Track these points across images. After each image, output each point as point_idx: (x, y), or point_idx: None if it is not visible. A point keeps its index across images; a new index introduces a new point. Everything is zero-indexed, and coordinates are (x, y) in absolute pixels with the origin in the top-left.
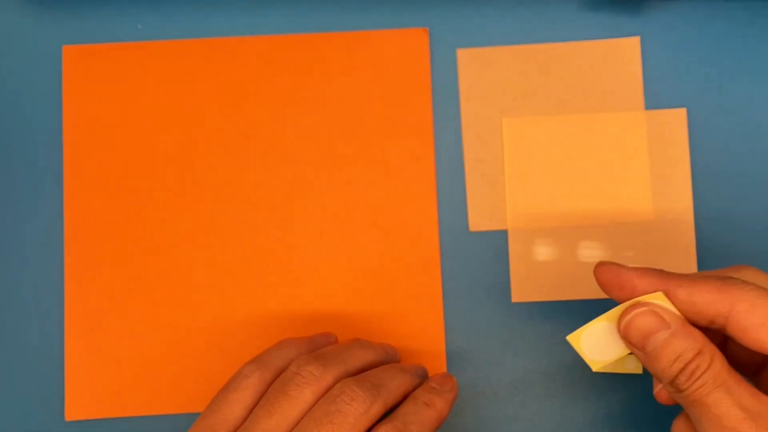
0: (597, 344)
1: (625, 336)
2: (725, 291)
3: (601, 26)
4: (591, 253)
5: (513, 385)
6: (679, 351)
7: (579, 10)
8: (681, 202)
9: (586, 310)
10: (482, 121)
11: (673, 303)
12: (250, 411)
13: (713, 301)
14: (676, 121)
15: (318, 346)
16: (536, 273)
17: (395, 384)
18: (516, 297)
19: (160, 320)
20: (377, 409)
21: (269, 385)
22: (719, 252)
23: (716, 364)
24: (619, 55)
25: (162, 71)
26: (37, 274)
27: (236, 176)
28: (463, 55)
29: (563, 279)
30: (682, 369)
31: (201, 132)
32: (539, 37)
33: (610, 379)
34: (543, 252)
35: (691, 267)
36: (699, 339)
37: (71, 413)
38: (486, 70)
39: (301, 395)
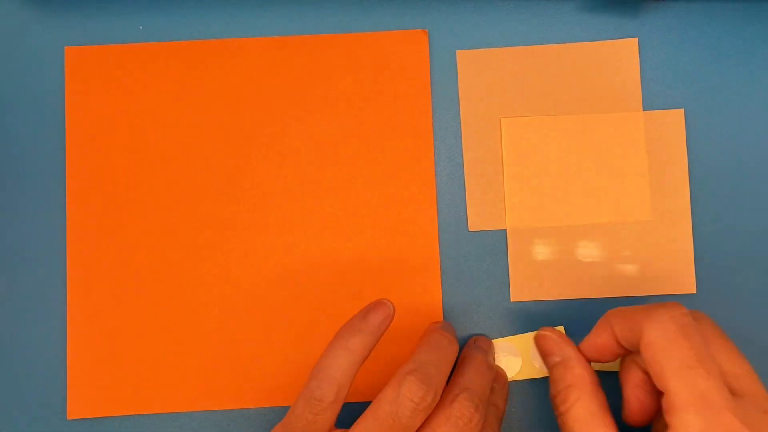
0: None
1: (536, 346)
2: (638, 322)
3: (599, 28)
4: (589, 252)
5: (512, 384)
6: (557, 377)
7: (577, 12)
8: (678, 202)
9: (584, 309)
10: (481, 122)
11: (616, 337)
12: (330, 430)
13: (630, 331)
14: (673, 121)
15: (379, 330)
16: (535, 272)
17: (489, 389)
18: (515, 296)
19: (162, 319)
20: (482, 420)
21: (345, 398)
22: (716, 252)
23: (580, 406)
24: (617, 57)
25: (163, 72)
26: (39, 273)
27: (237, 177)
28: (463, 56)
29: (562, 278)
30: (556, 394)
31: (202, 133)
32: (538, 38)
33: (608, 375)
34: (542, 251)
35: (689, 266)
36: (577, 375)
37: (73, 412)
38: (485, 71)
39: (415, 422)
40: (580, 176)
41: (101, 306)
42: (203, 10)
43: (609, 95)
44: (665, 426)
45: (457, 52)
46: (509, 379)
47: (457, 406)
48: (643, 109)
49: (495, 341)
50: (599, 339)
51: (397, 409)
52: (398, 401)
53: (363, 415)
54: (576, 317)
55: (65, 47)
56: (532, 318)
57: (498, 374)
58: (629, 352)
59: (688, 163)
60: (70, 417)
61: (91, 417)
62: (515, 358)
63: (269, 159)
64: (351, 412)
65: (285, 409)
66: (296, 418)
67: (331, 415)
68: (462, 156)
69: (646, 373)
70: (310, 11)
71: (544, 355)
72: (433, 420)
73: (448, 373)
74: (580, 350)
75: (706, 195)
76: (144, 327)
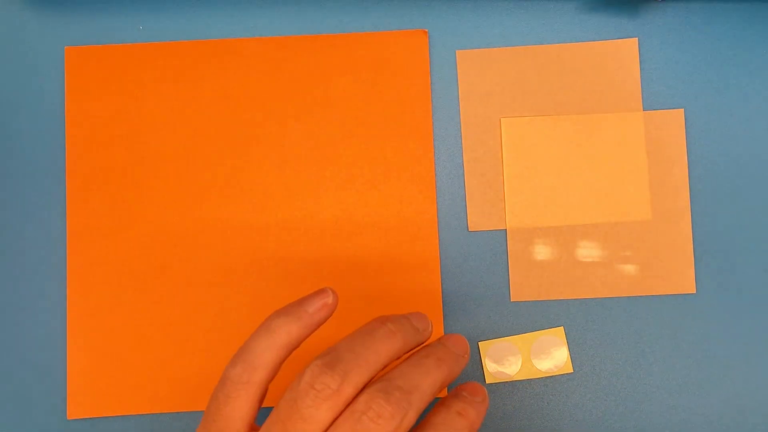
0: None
1: None
2: None
3: (599, 27)
4: (589, 252)
5: (512, 384)
6: None
7: (577, 12)
8: (678, 201)
9: (584, 309)
10: (481, 122)
11: None
12: (251, 419)
13: None
14: (673, 121)
15: (312, 318)
16: (535, 272)
17: (429, 383)
18: (515, 296)
19: (162, 319)
20: (408, 423)
21: (264, 386)
22: (716, 252)
23: None
24: (617, 57)
25: (163, 72)
26: (39, 273)
27: (237, 176)
28: (462, 56)
29: (562, 278)
30: None
31: (202, 132)
32: (538, 38)
33: (608, 379)
34: (542, 251)
35: (689, 266)
36: None
37: (73, 412)
38: (485, 71)
39: (317, 413)
40: (580, 176)
41: (101, 306)
42: (203, 10)
43: (609, 95)
44: None
45: (457, 52)
46: (509, 380)
47: (363, 399)
48: (643, 109)
49: (495, 341)
50: None
51: (296, 395)
52: (299, 387)
53: None
54: (576, 317)
55: (65, 47)
56: (532, 318)
57: (478, 388)
58: None
59: (688, 163)
60: (70, 417)
61: (90, 417)
62: (515, 358)
63: (270, 159)
64: None
65: None
66: (211, 401)
67: (245, 397)
68: (462, 156)
69: None
70: (310, 11)
71: None
72: (338, 417)
73: (374, 362)
74: None
75: (706, 195)
76: (144, 327)
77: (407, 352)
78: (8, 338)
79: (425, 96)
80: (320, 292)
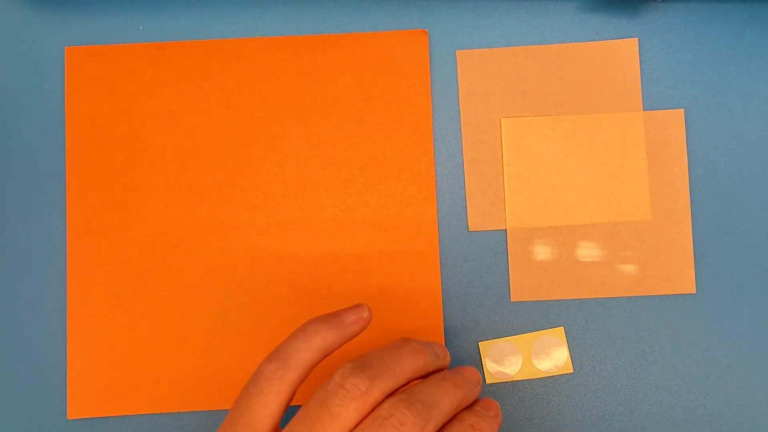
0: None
1: None
2: None
3: (599, 28)
4: (589, 252)
5: (512, 384)
6: None
7: (577, 12)
8: (678, 202)
9: (584, 309)
10: (481, 122)
11: None
12: (277, 417)
13: None
14: (673, 121)
15: (347, 329)
16: (535, 272)
17: (447, 402)
18: (515, 296)
19: (162, 319)
20: (424, 427)
21: (295, 386)
22: (716, 252)
23: None
24: (618, 57)
25: (163, 72)
26: (39, 273)
27: (237, 176)
28: (463, 56)
29: (562, 278)
30: None
31: (202, 132)
32: (538, 38)
33: (607, 378)
34: (542, 251)
35: (689, 266)
36: None
37: (73, 411)
38: (485, 71)
39: (345, 412)
40: (580, 176)
41: (101, 305)
42: (203, 10)
43: (609, 95)
44: None
45: (457, 52)
46: (509, 380)
47: (387, 406)
48: (643, 109)
49: (495, 341)
50: None
51: (326, 395)
52: (329, 387)
53: None
54: (576, 317)
55: (65, 47)
56: (532, 318)
57: (492, 404)
58: None
59: (688, 163)
60: (70, 417)
61: (90, 417)
62: (515, 358)
63: (270, 159)
64: None
65: None
66: (241, 395)
67: (276, 393)
68: (462, 156)
69: None
70: (309, 11)
71: None
72: (362, 421)
73: (399, 373)
74: None
75: (706, 195)
76: (143, 327)
77: (426, 375)
78: (8, 338)
79: (425, 96)
80: (357, 306)
